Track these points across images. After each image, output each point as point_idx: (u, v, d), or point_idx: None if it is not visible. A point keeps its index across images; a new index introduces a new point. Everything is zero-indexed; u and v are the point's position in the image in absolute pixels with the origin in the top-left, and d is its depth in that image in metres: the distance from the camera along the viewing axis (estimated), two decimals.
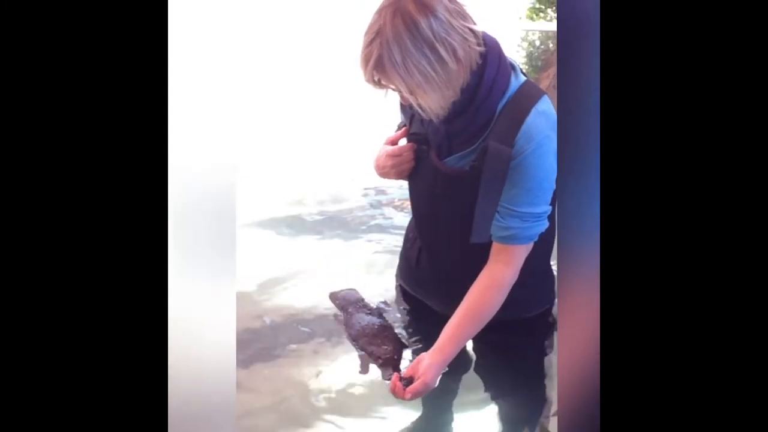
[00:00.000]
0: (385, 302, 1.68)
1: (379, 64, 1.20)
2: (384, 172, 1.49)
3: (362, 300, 1.65)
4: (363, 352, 1.50)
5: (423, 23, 1.17)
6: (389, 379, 1.37)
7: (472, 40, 1.22)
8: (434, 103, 1.24)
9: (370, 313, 1.59)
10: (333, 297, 1.70)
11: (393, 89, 1.26)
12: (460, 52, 1.20)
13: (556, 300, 1.58)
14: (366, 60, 1.22)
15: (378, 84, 1.25)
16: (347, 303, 1.65)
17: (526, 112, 1.27)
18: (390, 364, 1.44)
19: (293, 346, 1.93)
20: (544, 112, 1.29)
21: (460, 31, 1.20)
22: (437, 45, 1.18)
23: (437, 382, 1.34)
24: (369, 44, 1.20)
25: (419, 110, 1.27)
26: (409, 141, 1.45)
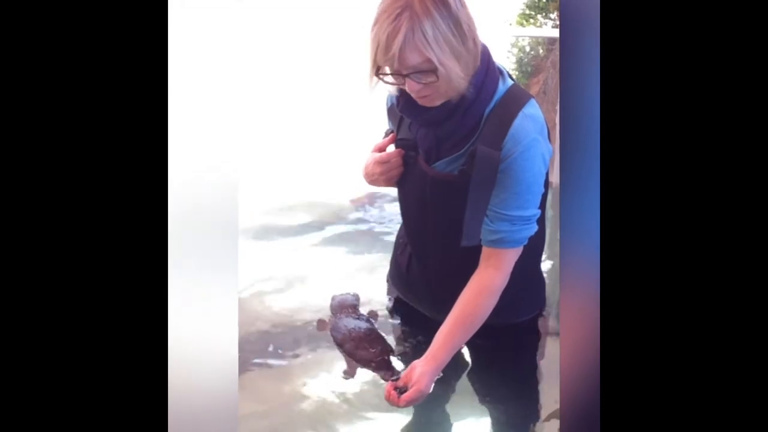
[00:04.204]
0: (375, 312, 1.68)
1: (409, 37, 1.18)
2: (373, 179, 1.48)
3: (355, 306, 1.65)
4: (350, 358, 1.50)
5: (451, 2, 1.20)
6: (387, 380, 1.37)
7: (476, 45, 1.25)
8: (460, 73, 1.23)
9: (357, 318, 1.59)
10: (332, 299, 1.71)
11: (404, 75, 1.22)
12: (471, 45, 1.23)
13: (546, 304, 1.57)
14: (393, 34, 1.18)
15: (390, 65, 1.22)
16: (339, 307, 1.65)
17: (514, 115, 1.27)
18: (383, 365, 1.45)
19: (283, 353, 1.92)
20: (532, 116, 1.29)
21: (471, 32, 1.24)
22: (462, 23, 1.21)
23: (431, 389, 1.33)
24: (395, 19, 1.18)
25: (440, 87, 1.23)
26: (397, 147, 1.45)
